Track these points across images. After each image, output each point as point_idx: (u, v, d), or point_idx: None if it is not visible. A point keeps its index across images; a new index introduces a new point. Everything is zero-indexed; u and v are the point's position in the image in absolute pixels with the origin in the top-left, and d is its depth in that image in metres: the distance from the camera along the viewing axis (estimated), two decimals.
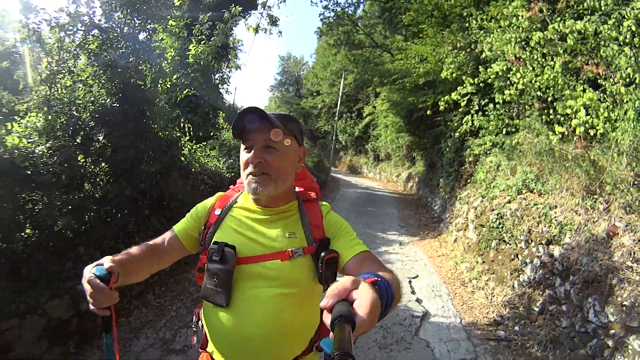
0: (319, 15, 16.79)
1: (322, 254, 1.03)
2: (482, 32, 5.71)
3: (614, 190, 3.47)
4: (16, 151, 2.48)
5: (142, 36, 4.17)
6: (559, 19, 4.32)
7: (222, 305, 1.04)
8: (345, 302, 0.58)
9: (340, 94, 23.24)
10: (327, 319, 0.57)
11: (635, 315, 2.64)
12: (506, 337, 3.34)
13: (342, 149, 30.17)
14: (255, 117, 1.02)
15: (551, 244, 3.76)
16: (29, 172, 2.43)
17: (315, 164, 17.78)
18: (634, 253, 3.04)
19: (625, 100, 3.23)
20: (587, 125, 3.46)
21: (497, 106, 5.44)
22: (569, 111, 3.61)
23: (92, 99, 3.28)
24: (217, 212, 1.15)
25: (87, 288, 0.90)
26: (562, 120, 3.84)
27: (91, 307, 0.93)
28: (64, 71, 3.84)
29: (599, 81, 3.85)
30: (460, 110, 6.14)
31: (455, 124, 7.46)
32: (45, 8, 3.91)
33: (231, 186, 1.28)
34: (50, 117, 3.20)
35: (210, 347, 1.11)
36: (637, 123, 3.15)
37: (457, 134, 7.23)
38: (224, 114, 9.60)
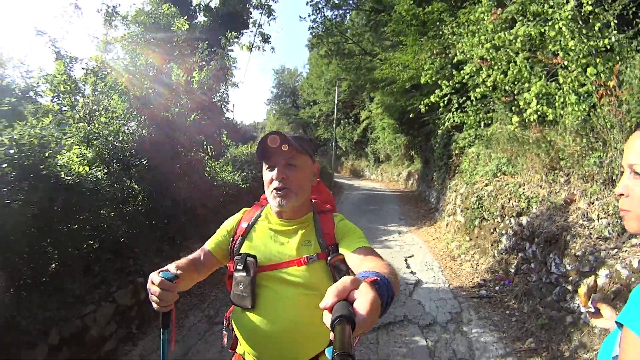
0: (308, 29, 17.53)
1: (329, 258, 1.16)
2: (454, 37, 6.39)
3: (573, 164, 4.13)
4: (83, 175, 3.21)
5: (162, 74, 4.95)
6: (516, 24, 5.01)
7: (248, 308, 1.17)
8: (345, 302, 0.58)
9: (335, 101, 23.97)
10: (327, 319, 0.57)
11: (585, 262, 3.29)
12: (487, 295, 4.01)
13: (343, 154, 30.83)
14: (277, 139, 1.16)
15: (521, 215, 4.42)
16: (95, 192, 3.15)
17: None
18: (587, 214, 3.70)
19: (567, 87, 3.89)
20: (538, 112, 4.13)
21: (473, 102, 6.11)
22: (522, 102, 4.29)
23: (131, 131, 4.02)
24: (244, 225, 1.29)
25: (155, 290, 1.04)
26: (521, 110, 4.51)
27: (156, 306, 1.07)
28: (100, 109, 4.60)
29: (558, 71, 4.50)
30: (440, 109, 6.80)
31: (441, 122, 8.16)
32: (79, 57, 4.70)
33: (255, 202, 1.42)
34: (98, 148, 3.94)
35: (241, 348, 1.26)
36: (578, 105, 3.80)
37: (439, 131, 7.91)
38: (226, 132, 10.36)
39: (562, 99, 4.08)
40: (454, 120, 6.91)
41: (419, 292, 4.09)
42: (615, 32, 3.53)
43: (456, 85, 5.98)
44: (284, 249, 1.20)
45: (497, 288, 4.12)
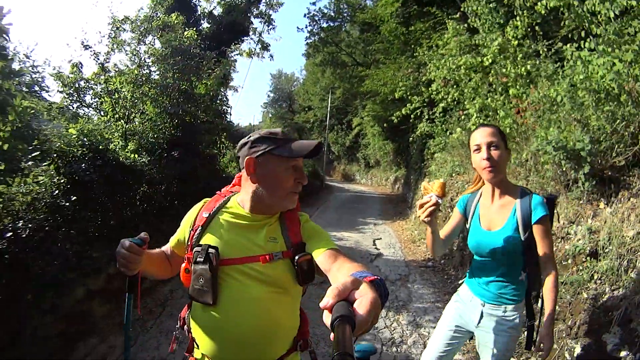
0: (305, 39, 18.74)
1: (297, 257, 1.12)
2: (425, 58, 7.56)
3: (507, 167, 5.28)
4: (134, 161, 4.35)
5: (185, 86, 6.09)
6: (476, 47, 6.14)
7: (210, 303, 1.11)
8: (345, 302, 0.58)
9: (329, 108, 25.15)
10: (327, 319, 0.57)
11: None
12: (433, 266, 5.16)
13: (336, 159, 31.90)
14: (320, 149, 1.18)
15: None
16: (142, 173, 4.29)
17: (310, 173, 19.61)
18: None
19: (496, 104, 5.04)
20: (477, 124, 5.28)
21: (439, 115, 7.26)
22: (464, 114, 5.47)
23: (165, 131, 5.18)
24: (205, 214, 1.23)
25: (124, 253, 1.12)
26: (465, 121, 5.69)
27: (123, 269, 1.15)
28: (135, 112, 5.72)
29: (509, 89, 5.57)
30: (411, 121, 7.95)
31: (415, 131, 9.38)
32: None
33: (217, 192, 1.37)
34: (137, 142, 5.05)
35: (198, 352, 1.18)
36: (504, 119, 4.92)
37: (411, 138, 9.07)
38: (225, 134, 11.53)
39: (497, 114, 5.25)
40: (425, 130, 8.08)
41: (379, 261, 5.27)
42: (530, 62, 4.65)
43: (426, 99, 7.18)
44: (248, 243, 1.16)
45: (442, 262, 5.27)
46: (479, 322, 1.73)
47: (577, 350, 2.54)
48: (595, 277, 2.69)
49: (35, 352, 2.65)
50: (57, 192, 3.41)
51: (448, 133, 7.81)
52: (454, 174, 6.39)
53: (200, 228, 1.21)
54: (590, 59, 3.08)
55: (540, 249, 1.59)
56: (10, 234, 2.70)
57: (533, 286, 1.75)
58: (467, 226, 1.81)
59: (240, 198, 1.25)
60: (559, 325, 2.89)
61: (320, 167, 24.14)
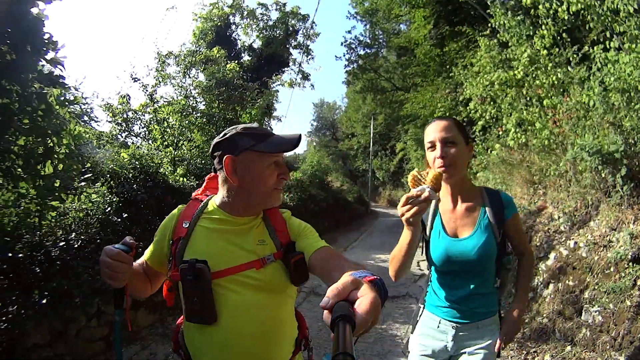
0: (344, 67, 19.38)
1: (290, 257, 1.09)
2: (461, 77, 7.61)
3: (541, 178, 5.15)
4: (183, 184, 4.80)
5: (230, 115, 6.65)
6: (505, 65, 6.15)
7: (210, 323, 1.04)
8: (345, 302, 0.59)
9: (372, 134, 25.37)
10: (328, 319, 0.57)
11: (541, 249, 4.29)
12: None
13: (381, 184, 31.64)
14: (299, 142, 1.13)
15: None
16: (189, 195, 4.72)
17: (355, 199, 19.73)
18: (551, 215, 4.70)
19: (532, 117, 4.99)
20: (514, 139, 5.23)
21: (479, 133, 7.20)
22: (503, 131, 5.43)
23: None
24: (185, 224, 1.13)
25: (110, 262, 0.99)
26: (503, 137, 5.63)
27: (110, 281, 1.02)
28: (183, 139, 6.31)
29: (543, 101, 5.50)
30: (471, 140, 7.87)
31: None
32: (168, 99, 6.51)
33: (190, 199, 1.25)
34: (185, 167, 5.57)
35: None
36: (541, 131, 4.85)
37: None
38: None
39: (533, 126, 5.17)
40: None
41: (422, 281, 5.20)
42: (560, 70, 4.59)
43: (465, 119, 7.19)
44: (238, 250, 1.09)
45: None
46: (452, 347, 1.50)
47: None
48: (639, 282, 2.59)
49: (77, 353, 2.88)
50: (109, 209, 3.76)
51: (488, 151, 7.70)
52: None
53: (182, 240, 1.10)
54: (617, 58, 3.06)
55: (519, 243, 1.52)
56: (63, 243, 3.00)
57: (502, 291, 1.59)
58: (427, 236, 1.54)
59: (219, 201, 1.15)
60: (602, 337, 2.76)
61: (366, 193, 24.16)
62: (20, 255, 2.66)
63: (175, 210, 1.21)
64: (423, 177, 1.18)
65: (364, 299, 0.59)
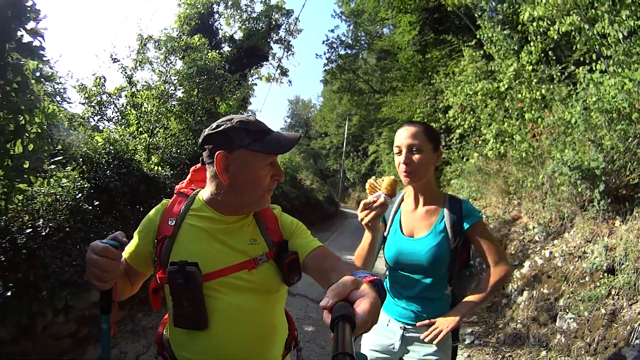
0: (323, 66, 19.41)
1: (284, 257, 1.04)
2: (442, 85, 7.77)
3: (517, 188, 5.35)
4: (157, 173, 4.57)
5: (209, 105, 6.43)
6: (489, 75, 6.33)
7: (202, 328, 0.97)
8: (345, 302, 0.58)
9: (345, 135, 25.54)
10: (327, 319, 0.56)
11: (516, 257, 4.44)
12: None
13: (351, 185, 31.86)
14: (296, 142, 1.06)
15: None
16: (165, 185, 4.49)
17: (325, 198, 19.75)
18: (526, 225, 4.88)
19: (512, 130, 5.16)
20: (494, 149, 5.40)
21: (456, 141, 7.39)
22: (481, 140, 5.59)
23: (188, 147, 5.44)
24: (171, 222, 1.04)
25: (97, 259, 0.87)
26: (482, 147, 5.80)
27: (97, 282, 0.90)
28: (159, 127, 6.03)
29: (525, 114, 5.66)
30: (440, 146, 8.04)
31: None
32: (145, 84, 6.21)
33: (175, 193, 1.15)
34: (160, 155, 5.32)
35: None
36: (520, 143, 5.01)
37: None
38: None
39: (513, 138, 5.36)
40: (442, 157, 8.17)
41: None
42: (544, 86, 4.78)
43: (442, 126, 7.34)
44: (229, 250, 1.02)
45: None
46: (399, 348, 1.51)
47: None
48: (613, 292, 2.71)
49: (44, 350, 2.68)
50: (80, 195, 3.51)
51: (464, 159, 7.91)
52: (470, 200, 6.44)
53: (168, 239, 1.02)
54: (602, 80, 3.21)
55: (489, 253, 1.44)
56: (30, 230, 2.77)
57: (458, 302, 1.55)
58: (385, 234, 1.57)
59: (207, 197, 1.07)
60: (577, 343, 2.88)
61: (336, 193, 24.29)
62: None
63: (159, 206, 1.12)
64: (379, 185, 1.28)
65: (364, 299, 0.59)
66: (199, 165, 1.15)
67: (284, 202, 10.06)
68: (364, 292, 0.61)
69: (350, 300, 0.60)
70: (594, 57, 3.49)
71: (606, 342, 2.59)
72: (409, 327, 1.50)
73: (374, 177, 1.32)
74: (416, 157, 1.40)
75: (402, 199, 1.59)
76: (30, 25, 2.35)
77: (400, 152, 1.44)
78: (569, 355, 2.92)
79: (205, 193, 1.08)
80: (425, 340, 1.36)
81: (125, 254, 1.09)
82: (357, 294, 0.60)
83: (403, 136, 1.43)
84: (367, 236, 1.40)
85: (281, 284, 1.07)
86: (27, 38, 2.40)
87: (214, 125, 1.03)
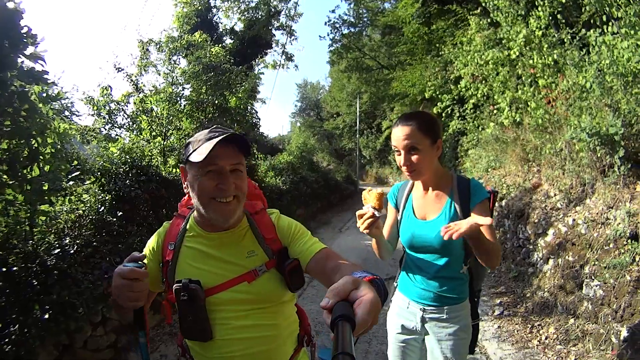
0: (328, 47, 19.08)
1: (285, 265, 1.05)
2: (452, 56, 7.55)
3: (536, 156, 5.22)
4: (177, 175, 4.67)
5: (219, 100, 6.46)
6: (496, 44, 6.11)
7: (206, 340, 1.04)
8: (345, 302, 0.58)
9: (357, 113, 25.23)
10: (328, 319, 0.56)
11: (540, 226, 4.38)
12: None
13: (367, 163, 31.77)
14: (229, 141, 1.00)
15: (503, 199, 5.52)
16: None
17: (344, 178, 19.77)
18: (547, 192, 4.78)
19: (526, 96, 4.99)
20: (509, 118, 5.25)
21: (470, 111, 7.20)
22: (495, 109, 5.44)
23: None
24: (171, 247, 1.10)
25: (128, 283, 0.91)
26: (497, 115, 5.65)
27: (130, 303, 0.93)
28: (172, 128, 6.11)
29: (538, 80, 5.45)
30: (443, 119, 7.92)
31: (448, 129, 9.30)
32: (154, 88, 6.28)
33: (175, 214, 1.21)
34: (177, 157, 5.43)
35: None
36: (535, 110, 4.87)
37: (443, 137, 9.04)
38: (255, 145, 11.94)
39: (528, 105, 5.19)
40: (457, 127, 8.03)
41: None
42: (556, 51, 4.59)
43: (455, 97, 7.16)
44: (226, 265, 1.06)
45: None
46: (421, 329, 1.58)
47: (624, 333, 2.51)
48: (637, 259, 2.66)
49: None
50: (102, 208, 3.58)
51: (480, 129, 7.73)
52: (489, 169, 6.33)
53: (170, 263, 1.09)
54: (615, 43, 3.06)
55: (487, 230, 1.43)
56: (58, 250, 2.81)
57: (476, 282, 1.64)
58: (399, 218, 1.64)
59: (194, 216, 1.12)
60: (604, 310, 2.86)
61: (354, 172, 24.23)
62: (15, 268, 2.48)
63: (160, 229, 1.18)
64: (370, 197, 1.40)
65: (364, 299, 0.59)
66: None
67: (303, 187, 10.20)
68: (364, 291, 0.60)
69: (351, 300, 0.59)
70: (604, 18, 3.31)
71: (632, 309, 2.57)
72: (428, 308, 1.55)
73: (368, 189, 1.45)
74: (415, 157, 1.44)
75: (413, 184, 1.63)
76: (29, 50, 2.36)
77: (398, 152, 1.48)
78: (596, 323, 2.91)
79: (195, 212, 1.13)
80: (445, 237, 1.27)
81: None
82: (357, 294, 0.60)
83: (399, 137, 1.46)
84: (372, 234, 1.47)
85: (285, 291, 1.09)
86: (28, 63, 2.41)
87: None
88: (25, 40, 2.36)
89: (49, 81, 2.61)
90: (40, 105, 2.67)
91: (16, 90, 2.38)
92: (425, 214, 1.55)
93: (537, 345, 3.18)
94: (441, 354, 1.54)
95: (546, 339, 3.20)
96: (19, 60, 2.37)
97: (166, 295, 1.11)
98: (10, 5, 2.28)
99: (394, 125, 1.51)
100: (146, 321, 1.07)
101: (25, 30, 2.32)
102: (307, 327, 1.24)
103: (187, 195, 1.23)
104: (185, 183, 1.08)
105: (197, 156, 0.97)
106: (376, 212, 1.38)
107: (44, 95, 2.82)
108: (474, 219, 1.30)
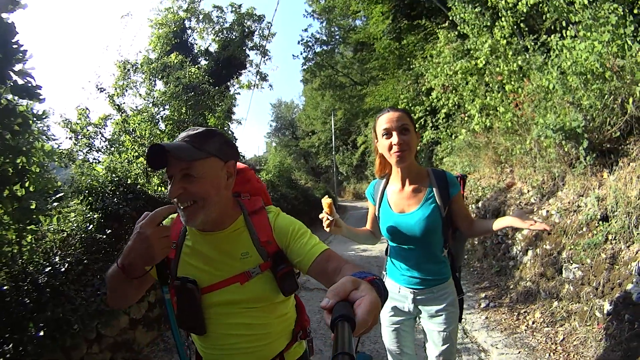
0: (301, 65, 19.49)
1: (277, 270, 1.07)
2: (422, 69, 7.93)
3: (508, 157, 5.53)
4: (162, 193, 4.66)
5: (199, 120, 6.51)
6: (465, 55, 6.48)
7: (201, 334, 1.11)
8: (345, 302, 0.58)
9: (332, 130, 25.63)
10: (328, 319, 0.56)
11: None
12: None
13: (345, 179, 31.96)
14: (159, 154, 0.98)
15: (479, 201, 5.79)
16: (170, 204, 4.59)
17: (323, 195, 19.86)
18: (521, 190, 5.06)
19: (495, 102, 5.34)
20: (480, 123, 5.57)
21: (442, 121, 7.55)
22: (467, 116, 5.76)
23: None
24: (173, 245, 1.11)
25: (156, 231, 0.93)
26: (469, 122, 5.98)
27: (160, 251, 0.94)
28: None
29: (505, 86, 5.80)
30: (417, 130, 8.21)
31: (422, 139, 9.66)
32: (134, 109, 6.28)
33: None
34: (161, 177, 5.41)
35: None
36: (504, 115, 5.18)
37: (418, 148, 9.37)
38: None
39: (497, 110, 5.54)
40: (431, 137, 8.36)
41: None
42: (520, 57, 4.95)
43: (427, 108, 7.52)
44: (220, 266, 1.08)
45: (465, 257, 5.43)
46: (414, 309, 1.72)
47: (607, 307, 2.70)
48: (610, 237, 2.89)
49: None
50: (90, 227, 3.56)
51: (453, 137, 8.09)
52: (464, 174, 6.67)
53: (172, 261, 1.11)
54: (574, 45, 3.39)
55: (466, 214, 1.69)
56: (49, 268, 2.80)
57: (457, 260, 1.81)
58: (377, 213, 1.76)
59: None
60: (585, 289, 3.06)
61: (332, 189, 24.43)
62: (6, 287, 2.44)
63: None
64: (325, 205, 1.59)
65: (364, 299, 0.58)
66: None
67: (284, 204, 10.18)
68: (364, 292, 0.60)
69: (351, 300, 0.59)
70: (564, 24, 3.67)
71: (611, 284, 2.77)
72: (418, 290, 1.68)
73: (325, 197, 1.64)
74: (406, 136, 1.53)
75: (387, 181, 1.74)
76: (18, 67, 2.34)
77: (389, 135, 1.54)
78: (579, 302, 3.10)
79: None
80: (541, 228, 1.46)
81: None
82: (357, 294, 0.60)
83: (392, 119, 1.54)
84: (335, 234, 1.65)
85: (278, 294, 1.10)
86: (16, 80, 2.38)
87: None
88: (18, 56, 2.37)
89: (41, 96, 2.59)
90: (31, 122, 2.67)
91: (8, 105, 2.36)
92: (402, 207, 1.65)
93: (525, 329, 3.34)
94: (436, 326, 1.69)
95: (533, 323, 3.37)
96: (13, 75, 2.39)
97: (169, 289, 1.13)
98: (5, 16, 2.29)
99: (380, 114, 1.61)
100: (169, 274, 1.09)
101: (15, 46, 2.31)
102: (305, 321, 1.26)
103: None
104: None
105: (149, 164, 1.03)
106: (329, 217, 1.56)
107: (33, 112, 2.80)
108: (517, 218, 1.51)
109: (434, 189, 1.61)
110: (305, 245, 1.08)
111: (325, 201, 1.59)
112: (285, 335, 1.18)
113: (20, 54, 2.41)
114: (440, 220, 1.60)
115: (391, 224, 1.65)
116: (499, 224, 1.58)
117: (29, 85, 2.44)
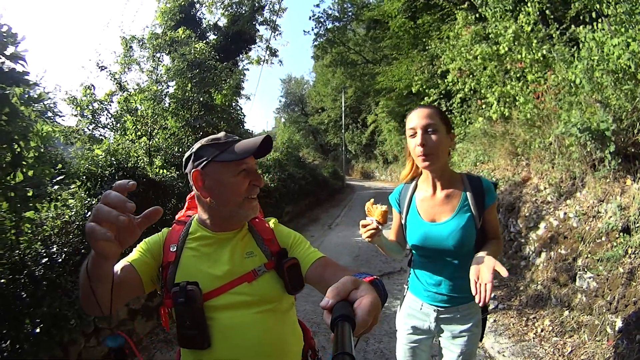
0: (312, 41, 18.90)
1: (283, 263, 1.05)
2: (438, 50, 7.57)
3: (525, 150, 5.28)
4: (163, 176, 4.55)
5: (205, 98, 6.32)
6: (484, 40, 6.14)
7: (204, 348, 0.99)
8: (345, 302, 0.58)
9: (343, 107, 25.21)
10: (328, 319, 0.56)
11: (530, 220, 4.44)
12: None
13: (353, 157, 31.88)
14: (269, 145, 1.07)
15: None
16: (172, 187, 4.49)
17: (331, 174, 19.77)
18: (537, 186, 4.85)
19: (515, 91, 5.05)
20: (498, 112, 5.30)
21: (457, 105, 7.25)
22: (483, 103, 5.48)
23: (189, 144, 5.37)
24: (173, 248, 1.07)
25: (106, 210, 0.68)
26: (485, 110, 5.69)
27: (100, 236, 0.66)
28: (157, 128, 5.96)
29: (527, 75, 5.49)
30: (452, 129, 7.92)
31: None
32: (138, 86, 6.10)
33: (174, 222, 1.18)
34: (163, 157, 5.29)
35: None
36: (524, 105, 4.92)
37: None
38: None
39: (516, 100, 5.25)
40: None
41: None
42: (545, 46, 4.65)
43: (442, 92, 7.20)
44: (225, 266, 1.05)
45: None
46: (435, 328, 1.58)
47: (619, 324, 2.56)
48: (630, 251, 2.71)
49: None
50: (89, 214, 3.45)
51: (467, 123, 7.80)
52: (477, 163, 6.40)
53: (171, 265, 1.06)
54: (605, 40, 3.10)
55: (496, 230, 1.52)
56: (46, 259, 2.67)
57: None
58: (403, 222, 1.60)
59: (199, 218, 1.12)
60: (598, 302, 2.92)
61: (340, 167, 24.28)
62: (2, 280, 2.36)
63: (159, 234, 1.14)
64: (373, 210, 1.43)
65: (364, 299, 0.58)
66: (193, 192, 1.17)
67: (291, 184, 10.10)
68: (364, 292, 0.60)
69: (351, 300, 0.59)
70: (594, 15, 3.36)
71: (626, 300, 2.62)
72: (442, 308, 1.53)
73: (372, 200, 1.47)
74: (433, 137, 1.39)
75: (416, 186, 1.59)
76: (10, 50, 2.24)
77: (414, 135, 1.41)
78: (591, 314, 2.96)
79: (197, 215, 1.14)
80: (481, 304, 1.26)
81: (131, 258, 1.06)
82: (357, 294, 0.60)
83: (417, 117, 1.42)
84: (374, 242, 1.47)
85: (284, 293, 1.08)
86: (8, 64, 2.29)
87: (188, 152, 1.11)
88: (5, 40, 2.25)
89: (30, 82, 2.49)
90: (23, 108, 2.54)
91: None
92: (434, 215, 1.50)
93: (533, 337, 3.22)
94: (456, 348, 1.54)
95: (542, 331, 3.25)
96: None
97: (164, 299, 1.06)
98: None
99: (409, 112, 1.49)
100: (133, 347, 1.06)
101: (5, 29, 2.21)
102: (311, 340, 1.23)
103: (186, 204, 1.27)
104: (200, 188, 1.06)
105: (230, 155, 1.03)
106: (380, 227, 1.41)
107: (26, 97, 2.68)
108: (487, 265, 1.27)
109: (468, 197, 1.47)
110: (304, 251, 1.11)
111: (380, 209, 1.41)
112: (297, 354, 1.14)
113: (11, 38, 2.32)
114: (475, 232, 1.45)
115: (421, 234, 1.51)
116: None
117: (15, 71, 2.34)
